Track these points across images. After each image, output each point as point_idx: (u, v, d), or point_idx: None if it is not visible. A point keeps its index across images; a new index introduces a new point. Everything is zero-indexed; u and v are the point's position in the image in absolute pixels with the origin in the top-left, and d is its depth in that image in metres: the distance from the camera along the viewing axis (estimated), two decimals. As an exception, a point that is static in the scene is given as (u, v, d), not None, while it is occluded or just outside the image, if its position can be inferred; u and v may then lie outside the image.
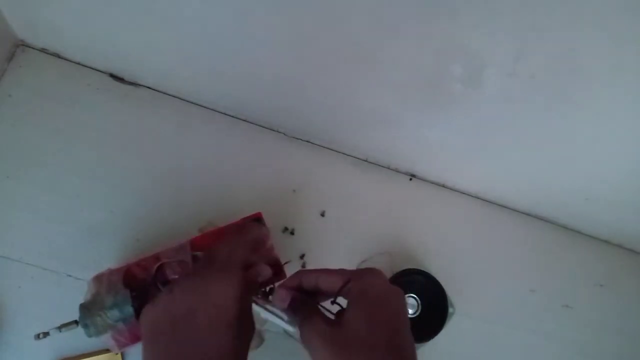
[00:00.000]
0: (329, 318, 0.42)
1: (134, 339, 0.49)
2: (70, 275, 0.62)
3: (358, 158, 0.77)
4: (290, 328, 0.50)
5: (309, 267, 0.69)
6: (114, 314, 0.47)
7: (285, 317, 0.50)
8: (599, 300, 0.78)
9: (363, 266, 0.71)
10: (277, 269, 0.56)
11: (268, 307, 0.52)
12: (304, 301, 0.45)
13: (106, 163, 0.67)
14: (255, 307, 0.53)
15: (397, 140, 0.71)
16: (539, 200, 0.77)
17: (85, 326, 0.48)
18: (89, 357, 0.59)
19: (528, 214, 0.80)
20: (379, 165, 0.77)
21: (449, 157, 0.72)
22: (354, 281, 0.41)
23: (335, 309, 0.45)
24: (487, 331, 0.73)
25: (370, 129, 0.70)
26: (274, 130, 0.75)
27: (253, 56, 0.60)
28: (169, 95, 0.72)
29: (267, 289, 0.54)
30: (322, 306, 0.46)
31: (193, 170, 0.69)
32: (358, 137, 0.73)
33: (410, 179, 0.78)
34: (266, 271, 0.49)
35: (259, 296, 0.52)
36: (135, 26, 0.59)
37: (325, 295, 0.45)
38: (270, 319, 0.52)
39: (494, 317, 0.73)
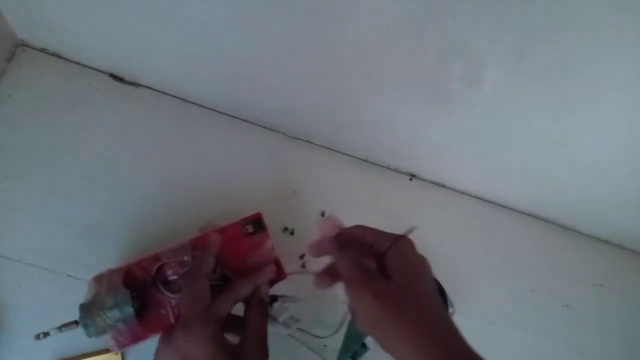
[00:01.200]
0: (379, 275, 0.43)
1: (134, 339, 0.49)
2: (70, 275, 0.62)
3: (358, 158, 0.77)
4: (284, 331, 0.50)
5: (308, 267, 0.69)
6: (114, 314, 0.47)
7: (279, 318, 0.50)
8: (599, 300, 0.77)
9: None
10: (277, 269, 0.56)
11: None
12: (355, 256, 0.45)
13: (106, 163, 0.67)
14: None
15: (397, 140, 0.71)
16: (539, 200, 0.77)
17: (86, 326, 0.48)
18: (89, 357, 0.59)
19: (528, 214, 0.80)
20: (379, 165, 0.77)
21: (449, 157, 0.72)
22: (392, 239, 0.44)
23: None
24: (487, 331, 0.73)
25: (370, 129, 0.70)
26: (274, 130, 0.74)
27: (253, 56, 0.60)
28: (169, 95, 0.72)
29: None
30: None
31: (193, 170, 0.69)
32: (358, 137, 0.73)
33: (410, 179, 0.78)
34: (269, 272, 0.51)
35: None
36: (135, 26, 0.59)
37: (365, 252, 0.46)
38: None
39: (494, 317, 0.73)
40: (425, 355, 0.37)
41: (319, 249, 0.47)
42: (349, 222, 0.72)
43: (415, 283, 0.41)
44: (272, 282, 0.55)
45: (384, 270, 0.43)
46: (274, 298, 0.54)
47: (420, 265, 0.44)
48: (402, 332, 0.39)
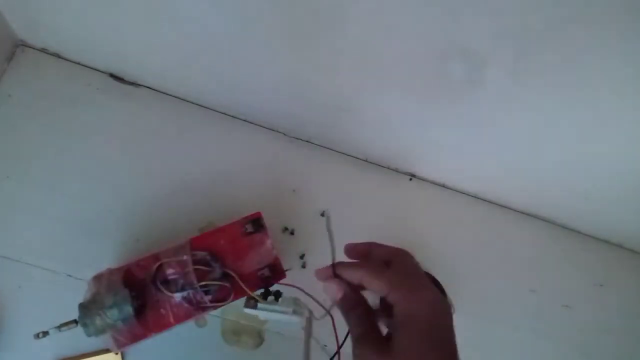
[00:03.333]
0: (381, 339, 0.40)
1: (134, 338, 0.49)
2: (70, 275, 0.62)
3: (358, 158, 0.77)
4: (295, 319, 0.50)
5: (308, 267, 0.69)
6: (114, 313, 0.47)
7: (290, 310, 0.50)
8: (599, 300, 0.77)
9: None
10: (277, 269, 0.56)
11: (268, 307, 0.52)
12: (363, 313, 0.42)
13: (106, 163, 0.67)
14: (251, 311, 0.53)
15: (397, 140, 0.71)
16: (539, 200, 0.77)
17: (85, 325, 0.48)
18: (89, 357, 0.59)
19: (528, 214, 0.80)
20: (379, 165, 0.77)
21: (449, 157, 0.72)
22: (399, 296, 0.39)
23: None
24: (487, 331, 0.73)
25: (370, 129, 0.70)
26: (274, 130, 0.75)
27: (253, 56, 0.60)
28: (169, 95, 0.72)
29: (264, 290, 0.54)
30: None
31: (193, 170, 0.69)
32: (358, 137, 0.73)
33: (410, 179, 0.78)
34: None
35: (258, 298, 0.52)
36: (135, 26, 0.59)
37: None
38: (272, 318, 0.52)
39: (494, 317, 0.73)
40: None
41: (333, 294, 0.44)
42: (348, 222, 0.72)
43: (422, 354, 0.37)
44: (271, 282, 0.55)
45: (391, 337, 0.39)
46: (278, 293, 0.54)
47: (433, 327, 0.38)
48: None
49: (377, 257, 0.44)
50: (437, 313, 0.39)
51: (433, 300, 0.39)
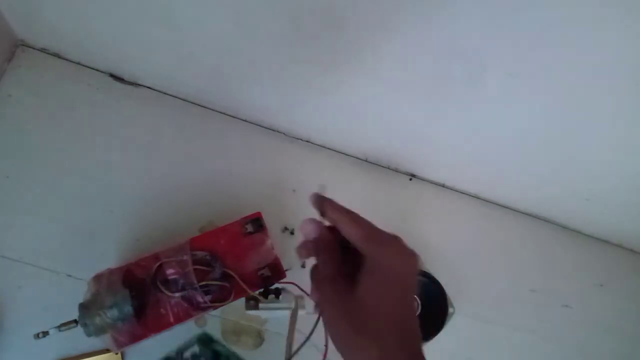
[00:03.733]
0: (348, 282, 0.41)
1: (134, 338, 0.49)
2: (70, 275, 0.62)
3: (358, 158, 0.77)
4: (301, 312, 0.50)
5: (308, 267, 0.69)
6: (114, 313, 0.47)
7: (292, 305, 0.50)
8: (599, 300, 0.77)
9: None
10: (277, 269, 0.56)
11: (270, 305, 0.52)
12: (332, 257, 0.44)
13: (106, 163, 0.67)
14: (254, 312, 0.53)
15: (397, 140, 0.71)
16: (539, 200, 0.77)
17: (85, 325, 0.48)
18: (89, 357, 0.59)
19: (528, 214, 0.80)
20: (379, 165, 0.77)
21: (449, 157, 0.72)
22: (370, 244, 0.41)
23: None
24: (487, 331, 0.73)
25: (370, 129, 0.70)
26: (274, 130, 0.75)
27: (253, 56, 0.60)
28: (169, 95, 0.72)
29: (263, 289, 0.54)
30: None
31: (193, 170, 0.69)
32: (358, 137, 0.73)
33: (410, 179, 0.78)
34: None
35: (259, 298, 0.52)
36: (135, 26, 0.59)
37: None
38: (274, 315, 0.52)
39: (494, 317, 0.73)
40: None
41: (302, 252, 0.47)
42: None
43: (386, 304, 0.39)
44: (271, 282, 0.55)
45: (358, 279, 0.41)
46: (278, 291, 0.54)
47: (396, 280, 0.40)
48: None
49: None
50: (404, 266, 0.41)
51: (403, 254, 0.41)
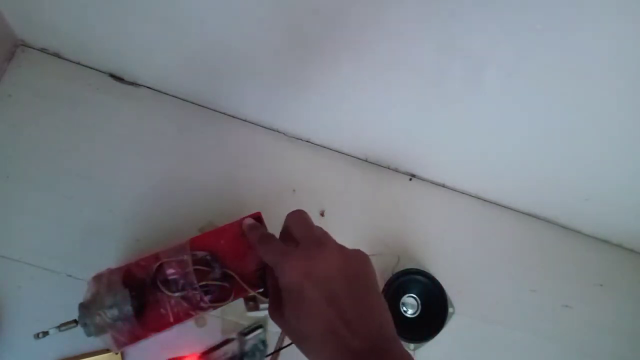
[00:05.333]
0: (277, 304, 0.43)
1: (134, 338, 0.49)
2: (70, 275, 0.62)
3: (358, 158, 0.77)
4: None
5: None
6: (114, 313, 0.47)
7: None
8: (599, 300, 0.77)
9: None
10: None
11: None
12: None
13: (106, 163, 0.67)
14: (255, 313, 0.53)
15: (397, 140, 0.71)
16: (539, 200, 0.77)
17: (85, 325, 0.47)
18: (89, 357, 0.59)
19: (528, 214, 0.80)
20: (379, 165, 0.77)
21: (449, 157, 0.72)
22: (274, 270, 0.43)
23: None
24: (487, 331, 0.73)
25: (370, 128, 0.70)
26: (274, 130, 0.75)
27: (253, 56, 0.60)
28: (169, 95, 0.72)
29: (262, 290, 0.54)
30: None
31: (193, 170, 0.69)
32: (358, 137, 0.73)
33: (410, 179, 0.78)
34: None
35: (260, 297, 0.52)
36: (134, 26, 0.60)
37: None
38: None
39: (494, 317, 0.73)
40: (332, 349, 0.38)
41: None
42: (348, 222, 0.73)
43: (302, 316, 0.40)
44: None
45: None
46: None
47: (297, 285, 0.40)
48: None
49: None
50: (298, 276, 0.40)
51: (291, 267, 0.41)
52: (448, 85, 0.56)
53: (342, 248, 0.43)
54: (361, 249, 0.43)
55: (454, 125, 0.64)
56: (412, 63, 0.54)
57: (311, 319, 0.39)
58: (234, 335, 0.62)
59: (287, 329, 0.42)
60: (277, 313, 0.43)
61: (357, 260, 0.42)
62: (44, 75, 0.69)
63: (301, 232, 0.44)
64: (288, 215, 0.47)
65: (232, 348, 0.61)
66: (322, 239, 0.43)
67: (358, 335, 0.38)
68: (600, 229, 0.80)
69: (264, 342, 0.62)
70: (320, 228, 0.45)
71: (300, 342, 0.40)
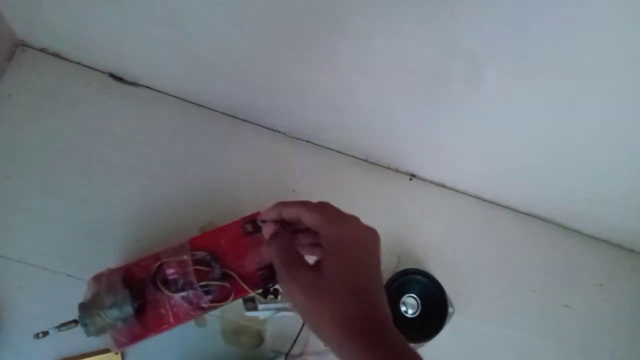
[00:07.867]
0: (308, 264, 0.44)
1: (134, 338, 0.49)
2: (70, 275, 0.62)
3: (358, 158, 0.77)
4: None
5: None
6: (113, 313, 0.47)
7: (291, 304, 0.50)
8: (599, 300, 0.78)
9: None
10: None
11: (269, 305, 0.52)
12: (285, 241, 0.47)
13: (106, 163, 0.67)
14: (253, 313, 0.53)
15: (397, 140, 0.71)
16: (539, 200, 0.77)
17: (85, 325, 0.47)
18: (89, 357, 0.59)
19: (528, 214, 0.80)
20: (379, 165, 0.77)
21: (449, 157, 0.72)
22: (331, 225, 0.43)
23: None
24: (487, 331, 0.73)
25: (370, 128, 0.70)
26: (274, 130, 0.75)
27: (253, 56, 0.60)
28: (169, 95, 0.72)
29: (262, 290, 0.54)
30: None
31: (193, 170, 0.69)
32: (358, 137, 0.73)
33: (410, 179, 0.78)
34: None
35: (259, 297, 0.52)
36: (135, 26, 0.60)
37: (304, 232, 0.48)
38: (274, 315, 0.52)
39: (494, 317, 0.73)
40: (350, 355, 0.38)
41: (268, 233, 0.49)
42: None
43: (345, 273, 0.41)
44: (271, 282, 0.54)
45: (320, 261, 0.43)
46: (277, 290, 0.54)
47: (358, 247, 0.42)
48: (328, 327, 0.39)
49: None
50: (364, 241, 0.43)
51: (360, 230, 0.44)
52: (448, 86, 0.56)
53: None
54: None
55: (454, 125, 0.64)
56: (412, 63, 0.54)
57: (354, 275, 0.41)
58: None
59: (304, 280, 0.42)
60: (297, 263, 0.43)
61: (375, 236, 0.44)
62: (44, 75, 0.69)
63: (331, 212, 0.45)
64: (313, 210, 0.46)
65: None
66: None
67: (365, 309, 0.39)
68: (600, 229, 0.80)
69: None
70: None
71: (315, 293, 0.40)
